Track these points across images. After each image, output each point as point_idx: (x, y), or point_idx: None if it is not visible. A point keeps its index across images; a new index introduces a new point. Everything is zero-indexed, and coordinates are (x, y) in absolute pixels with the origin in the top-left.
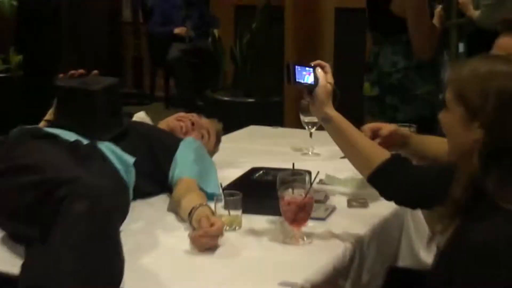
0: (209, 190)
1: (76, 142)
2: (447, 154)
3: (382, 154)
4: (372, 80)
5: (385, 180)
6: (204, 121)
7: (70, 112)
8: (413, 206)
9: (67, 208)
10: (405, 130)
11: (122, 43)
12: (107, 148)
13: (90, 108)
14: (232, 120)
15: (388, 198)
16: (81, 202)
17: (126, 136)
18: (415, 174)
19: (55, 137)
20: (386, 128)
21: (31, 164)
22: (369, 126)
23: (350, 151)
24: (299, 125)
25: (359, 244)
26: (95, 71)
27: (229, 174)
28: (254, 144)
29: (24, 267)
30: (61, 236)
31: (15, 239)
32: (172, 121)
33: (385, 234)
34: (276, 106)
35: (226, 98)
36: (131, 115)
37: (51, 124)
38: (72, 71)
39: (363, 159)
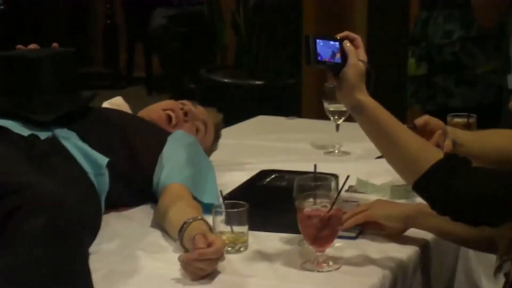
0: (206, 199)
1: (32, 137)
2: None
3: (433, 154)
4: (419, 55)
5: (437, 187)
6: (199, 110)
7: (7, 88)
8: (474, 223)
9: (19, 225)
10: (460, 120)
11: (89, 8)
12: (73, 144)
13: (29, 81)
14: (235, 108)
15: (441, 211)
16: (37, 216)
17: (95, 128)
18: (478, 181)
19: (3, 130)
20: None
21: None
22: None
23: (389, 149)
24: (321, 115)
25: (401, 271)
26: (55, 44)
27: (231, 178)
28: (263, 139)
29: None
30: (12, 261)
31: None
32: (157, 111)
33: (436, 258)
34: (291, 91)
35: (226, 80)
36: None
37: None
38: (20, 46)
39: (408, 159)
